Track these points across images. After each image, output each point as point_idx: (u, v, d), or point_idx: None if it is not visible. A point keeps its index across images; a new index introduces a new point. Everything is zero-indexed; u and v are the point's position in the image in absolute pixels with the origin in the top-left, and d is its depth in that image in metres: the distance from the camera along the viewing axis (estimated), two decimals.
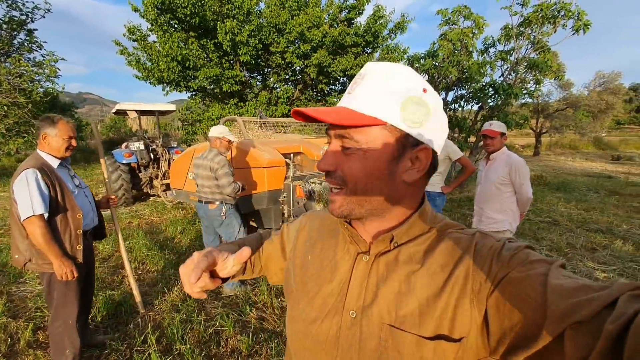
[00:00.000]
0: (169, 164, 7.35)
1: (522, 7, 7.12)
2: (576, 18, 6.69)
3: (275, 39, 9.83)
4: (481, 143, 3.43)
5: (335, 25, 10.15)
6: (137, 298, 2.82)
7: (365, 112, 0.52)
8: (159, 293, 3.22)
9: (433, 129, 0.55)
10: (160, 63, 8.72)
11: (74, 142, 2.13)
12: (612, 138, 22.39)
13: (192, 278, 0.55)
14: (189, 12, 8.46)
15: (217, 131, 3.16)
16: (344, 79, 10.51)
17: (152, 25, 9.99)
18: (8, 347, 2.47)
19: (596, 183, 9.30)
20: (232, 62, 10.29)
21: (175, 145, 7.75)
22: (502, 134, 2.84)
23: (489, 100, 7.59)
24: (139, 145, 6.99)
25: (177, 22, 8.93)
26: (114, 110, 7.37)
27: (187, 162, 5.32)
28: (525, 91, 7.87)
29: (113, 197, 2.58)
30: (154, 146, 7.21)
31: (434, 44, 7.32)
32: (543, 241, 4.61)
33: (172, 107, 7.54)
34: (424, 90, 0.53)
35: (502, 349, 0.45)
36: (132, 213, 6.38)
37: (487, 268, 0.49)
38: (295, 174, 4.05)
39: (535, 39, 7.53)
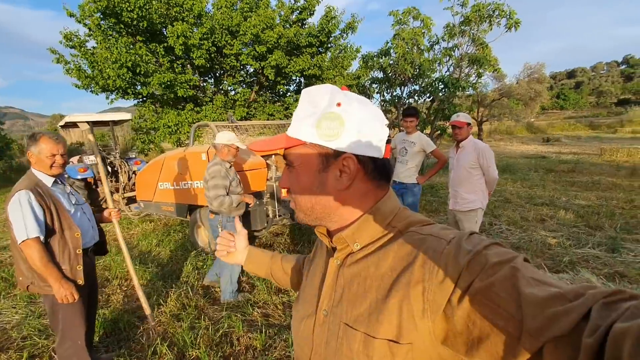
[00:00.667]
0: (129, 176, 7.01)
1: (462, 8, 7.82)
2: (508, 17, 7.49)
3: (229, 42, 9.70)
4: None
5: (288, 26, 10.26)
6: (147, 311, 2.75)
7: (291, 135, 0.60)
8: (154, 305, 3.15)
9: (351, 137, 0.57)
10: (108, 70, 8.21)
11: (58, 159, 2.03)
12: (541, 122, 25.13)
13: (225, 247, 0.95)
14: (135, 16, 8.07)
15: (225, 138, 2.95)
16: (301, 79, 10.65)
17: (90, 30, 9.37)
18: None
19: (534, 163, 10.45)
20: (183, 66, 9.97)
21: (133, 156, 7.38)
22: (468, 124, 3.19)
23: (440, 94, 8.22)
24: (94, 159, 6.56)
25: (122, 26, 8.47)
26: (61, 124, 6.81)
27: (157, 171, 5.15)
28: (469, 84, 8.62)
29: (116, 210, 2.50)
30: (112, 158, 6.82)
31: (387, 42, 7.75)
32: (501, 217, 5.16)
33: (128, 116, 7.15)
34: (338, 105, 0.57)
35: (476, 357, 0.44)
36: None
37: (441, 276, 0.48)
38: (276, 174, 4.14)
39: (475, 36, 8.28)
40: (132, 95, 10.26)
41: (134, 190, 7.07)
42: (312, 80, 10.51)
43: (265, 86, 11.69)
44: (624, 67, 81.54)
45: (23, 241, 1.80)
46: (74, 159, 7.25)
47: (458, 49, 8.59)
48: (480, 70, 8.71)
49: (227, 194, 2.97)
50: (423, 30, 7.30)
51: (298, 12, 10.35)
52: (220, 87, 11.48)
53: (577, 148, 13.84)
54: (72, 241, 2.02)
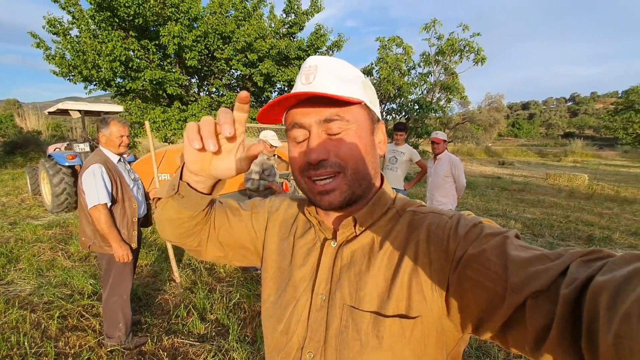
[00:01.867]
0: None
1: (437, 40, 8.83)
2: (476, 52, 8.58)
3: (220, 46, 10.08)
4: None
5: (278, 37, 10.83)
6: (177, 279, 3.10)
7: (343, 94, 0.52)
8: (165, 280, 3.50)
9: (377, 108, 0.60)
10: (99, 62, 8.28)
11: (125, 140, 2.45)
12: (497, 147, 27.47)
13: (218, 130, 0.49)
14: (132, 12, 8.27)
15: (262, 135, 3.52)
16: (288, 88, 11.19)
17: (74, 18, 9.37)
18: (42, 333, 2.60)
19: (491, 182, 11.66)
20: (172, 64, 10.19)
21: None
22: (444, 141, 3.91)
23: (415, 114, 9.12)
24: (84, 147, 6.64)
25: (117, 20, 8.60)
26: (51, 110, 6.86)
27: (151, 165, 5.42)
28: (440, 107, 9.63)
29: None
30: None
31: (372, 64, 8.56)
32: None
33: (120, 109, 7.31)
34: (366, 77, 0.59)
35: (470, 325, 0.46)
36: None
37: (444, 247, 0.50)
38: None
39: (447, 66, 9.32)
40: (115, 88, 10.29)
41: None
42: None
43: (251, 92, 12.11)
44: (570, 103, 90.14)
45: (94, 206, 2.18)
46: (61, 146, 7.24)
47: (432, 75, 9.61)
48: (450, 96, 9.73)
49: (259, 179, 3.50)
50: (405, 57, 8.18)
51: (289, 26, 10.97)
52: (207, 89, 11.75)
53: (527, 172, 15.49)
54: (130, 211, 2.41)
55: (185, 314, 2.88)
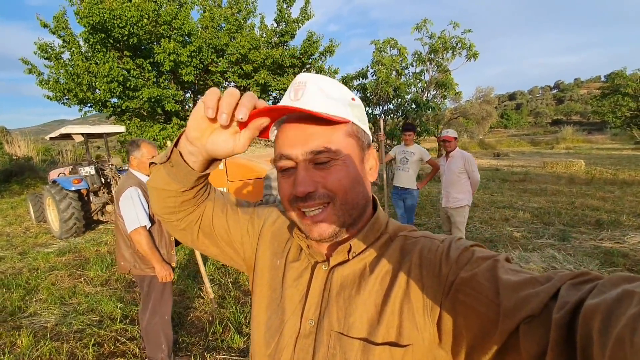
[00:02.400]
0: None
1: (430, 39, 8.97)
2: (468, 48, 8.73)
3: (215, 60, 10.13)
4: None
5: (270, 47, 10.91)
6: (211, 295, 3.11)
7: (330, 113, 0.51)
8: (194, 297, 3.50)
9: (368, 130, 0.59)
10: (97, 84, 8.27)
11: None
12: (490, 139, 27.77)
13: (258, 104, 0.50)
14: (127, 32, 8.28)
15: None
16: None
17: (65, 42, 9.38)
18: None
19: (491, 175, 11.81)
20: (168, 80, 10.20)
21: (126, 168, 7.46)
22: (455, 138, 3.98)
23: (413, 113, 9.23)
24: (89, 170, 6.61)
25: (111, 41, 8.60)
26: (54, 135, 6.82)
27: None
28: (436, 104, 9.75)
29: None
30: (106, 170, 6.89)
31: (368, 67, 8.67)
32: (474, 218, 6.04)
33: (122, 129, 7.29)
34: (352, 99, 0.57)
35: (463, 351, 0.45)
36: (92, 241, 6.04)
37: (437, 272, 0.49)
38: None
39: (440, 64, 9.47)
40: (111, 109, 10.28)
41: None
42: None
43: None
44: (555, 91, 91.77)
45: (134, 229, 2.20)
46: (65, 170, 7.19)
47: (426, 73, 9.75)
48: (445, 93, 9.87)
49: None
50: (400, 59, 8.30)
51: (280, 35, 11.06)
52: None
53: (523, 162, 15.72)
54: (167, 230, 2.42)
55: (221, 330, 2.89)
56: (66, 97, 10.15)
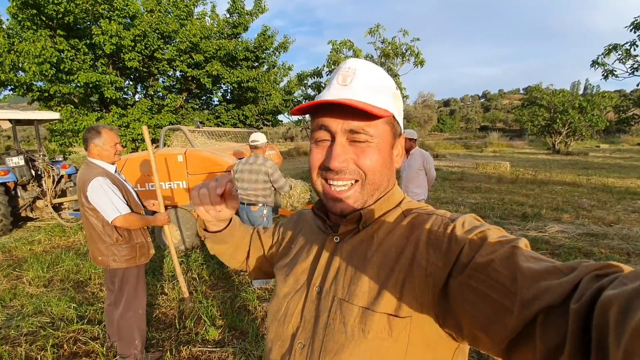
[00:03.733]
0: (55, 180, 6.37)
1: (382, 44, 9.44)
2: (416, 56, 9.36)
3: (162, 46, 9.53)
4: None
5: (222, 38, 10.58)
6: (186, 294, 2.97)
7: (377, 104, 0.54)
8: (158, 294, 3.36)
9: (402, 120, 0.62)
10: (26, 64, 7.32)
11: (119, 148, 2.31)
12: (429, 142, 29.93)
13: (218, 189, 0.61)
14: (62, 10, 7.44)
15: (264, 138, 3.39)
16: (238, 89, 10.97)
17: None
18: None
19: None
20: (106, 65, 9.36)
21: (61, 159, 6.74)
22: (410, 139, 4.31)
23: None
24: (18, 161, 5.85)
25: (43, 18, 7.66)
26: None
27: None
28: None
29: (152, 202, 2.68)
30: (38, 161, 6.16)
31: (324, 65, 8.87)
32: None
33: (56, 115, 6.55)
34: (397, 88, 0.60)
35: (468, 335, 0.45)
36: (22, 240, 5.38)
37: (444, 251, 0.49)
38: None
39: (390, 68, 10.01)
40: (37, 93, 9.16)
41: (63, 196, 6.51)
42: (248, 92, 10.95)
43: (195, 94, 11.64)
44: (482, 100, 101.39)
45: (116, 218, 2.08)
46: None
47: None
48: None
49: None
50: None
51: (233, 26, 10.77)
52: (146, 92, 11.00)
53: (459, 163, 17.24)
54: None
55: (192, 324, 2.83)
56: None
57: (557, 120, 20.68)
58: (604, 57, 8.58)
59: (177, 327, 2.80)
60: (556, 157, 19.94)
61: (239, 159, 4.76)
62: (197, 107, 12.00)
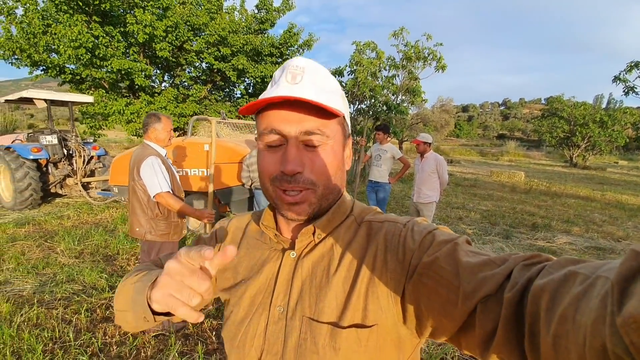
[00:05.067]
0: (85, 160, 6.73)
1: (405, 47, 9.52)
2: (438, 60, 9.41)
3: (191, 38, 9.85)
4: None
5: (249, 33, 10.83)
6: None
7: (329, 105, 0.52)
8: None
9: (349, 120, 0.62)
10: (64, 48, 7.70)
11: (172, 134, 2.58)
12: (445, 147, 29.74)
13: (201, 286, 0.43)
14: None
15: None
16: (261, 84, 11.22)
17: None
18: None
19: None
20: (137, 54, 9.73)
21: (91, 141, 7.11)
22: (425, 142, 4.44)
23: (383, 115, 9.76)
24: (51, 139, 6.22)
25: (80, 3, 8.03)
26: (12, 97, 6.29)
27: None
28: (405, 109, 10.39)
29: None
30: (71, 141, 6.51)
31: (347, 66, 9.03)
32: (433, 215, 6.68)
33: (90, 99, 6.90)
34: (342, 89, 0.61)
35: (426, 330, 0.48)
36: (52, 214, 5.74)
37: (400, 256, 0.51)
38: None
39: (411, 71, 10.09)
40: (70, 76, 9.60)
41: (91, 176, 6.86)
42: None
43: (219, 86, 11.95)
44: (502, 108, 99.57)
45: (157, 194, 2.32)
46: (21, 136, 6.67)
47: (397, 78, 10.33)
48: (413, 99, 10.53)
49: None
50: (378, 62, 8.76)
51: (260, 22, 11.01)
52: (173, 81, 11.36)
53: (473, 169, 17.19)
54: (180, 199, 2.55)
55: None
56: (15, 56, 9.32)
57: (577, 133, 20.32)
58: (626, 74, 8.48)
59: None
60: (573, 171, 19.62)
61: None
62: (220, 98, 12.32)
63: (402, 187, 9.91)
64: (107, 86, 9.78)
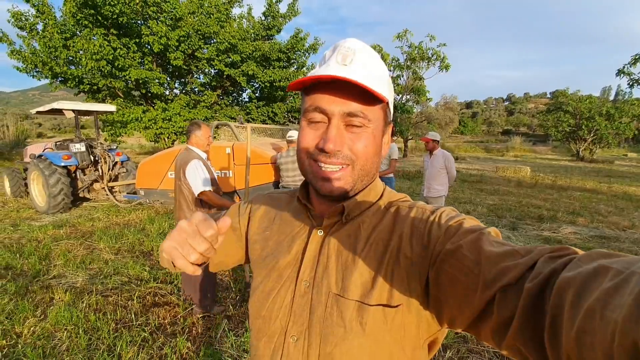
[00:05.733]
0: (110, 166, 7.14)
1: (409, 48, 9.83)
2: (442, 60, 9.70)
3: (202, 46, 10.25)
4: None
5: (258, 39, 11.21)
6: (247, 278, 3.55)
7: (376, 90, 0.52)
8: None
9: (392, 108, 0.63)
10: (86, 61, 8.14)
11: (210, 140, 2.93)
12: (449, 144, 29.90)
13: (200, 246, 0.50)
14: (117, 11, 8.22)
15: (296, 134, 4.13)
16: (269, 89, 11.59)
17: (39, 12, 9.11)
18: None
19: None
20: (152, 63, 10.16)
21: (114, 147, 7.51)
22: (433, 140, 4.75)
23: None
24: (80, 147, 6.63)
25: (99, 18, 8.48)
26: (43, 109, 6.72)
27: (168, 162, 5.70)
28: (410, 108, 10.69)
29: None
30: (98, 148, 6.93)
31: None
32: None
33: (112, 108, 7.31)
34: (389, 75, 0.61)
35: (446, 317, 0.49)
36: (83, 217, 6.14)
37: (425, 242, 0.53)
38: None
39: (415, 71, 10.39)
40: (88, 86, 10.07)
41: (115, 180, 7.27)
42: (278, 90, 11.57)
43: (229, 91, 12.34)
44: (507, 103, 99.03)
45: (201, 192, 2.66)
46: (50, 145, 7.09)
47: (401, 79, 10.64)
48: (418, 98, 10.83)
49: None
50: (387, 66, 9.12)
51: (267, 28, 11.38)
52: (184, 88, 11.79)
53: (478, 165, 17.38)
54: None
55: (245, 286, 3.40)
56: (36, 69, 9.82)
57: (583, 127, 20.40)
58: (630, 67, 8.69)
59: (234, 289, 3.38)
60: (579, 164, 19.72)
61: (278, 153, 5.35)
62: (229, 103, 12.72)
63: (410, 184, 10.20)
64: (122, 95, 10.23)
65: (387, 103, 0.58)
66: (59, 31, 9.15)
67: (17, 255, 4.22)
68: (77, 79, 9.80)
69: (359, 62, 0.54)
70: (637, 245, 5.01)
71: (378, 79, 0.55)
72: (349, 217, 0.60)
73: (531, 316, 0.36)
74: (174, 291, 3.32)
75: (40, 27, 9.59)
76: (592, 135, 20.57)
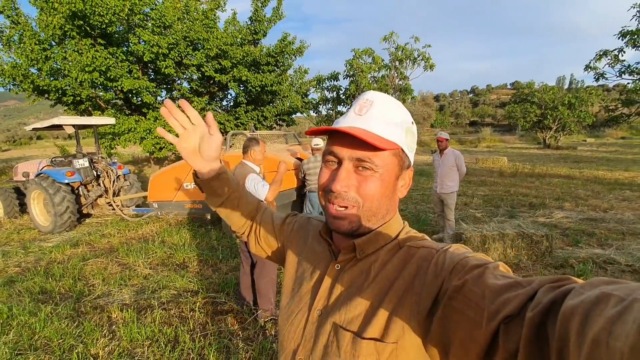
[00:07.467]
0: (113, 180, 7.02)
1: (395, 50, 10.26)
2: (426, 60, 10.20)
3: (190, 53, 10.17)
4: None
5: (245, 44, 11.25)
6: None
7: (385, 137, 0.59)
8: None
9: (413, 154, 0.67)
10: (75, 72, 7.89)
11: (264, 155, 3.11)
12: (425, 138, 31.04)
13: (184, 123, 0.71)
14: (106, 20, 8.02)
15: (322, 142, 4.48)
16: (262, 93, 11.63)
17: (13, 23, 8.76)
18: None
19: None
20: (139, 71, 9.96)
21: (115, 161, 7.37)
22: (447, 139, 5.14)
23: None
24: (83, 162, 6.49)
25: (88, 29, 8.23)
26: (41, 125, 6.50)
27: (183, 173, 5.74)
28: None
29: None
30: (101, 163, 6.79)
31: (345, 70, 9.69)
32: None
33: (112, 121, 7.17)
34: (412, 122, 0.65)
35: (450, 352, 0.48)
36: (93, 234, 6.04)
37: (429, 281, 0.54)
38: None
39: (401, 72, 10.85)
40: (71, 97, 9.73)
41: (119, 194, 7.16)
42: (267, 94, 11.66)
43: (216, 96, 12.28)
44: (471, 95, 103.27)
45: (266, 195, 2.84)
46: (44, 161, 6.86)
47: (387, 79, 11.07)
48: (404, 97, 11.30)
49: None
50: (377, 68, 9.47)
51: (254, 32, 11.43)
52: (171, 95, 11.62)
53: None
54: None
55: None
56: (14, 83, 9.38)
57: (548, 117, 21.90)
58: (595, 62, 9.56)
59: None
60: (547, 152, 21.16)
61: (298, 158, 5.54)
62: (216, 108, 12.65)
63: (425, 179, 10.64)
64: (104, 105, 9.95)
65: (402, 149, 0.62)
66: (36, 42, 8.79)
67: (47, 278, 4.17)
68: (59, 91, 9.45)
69: (376, 112, 0.60)
70: (622, 225, 5.66)
71: (393, 126, 0.60)
72: (363, 254, 0.64)
73: (536, 346, 0.36)
74: (227, 300, 3.46)
75: (16, 38, 9.17)
76: (556, 123, 22.15)
